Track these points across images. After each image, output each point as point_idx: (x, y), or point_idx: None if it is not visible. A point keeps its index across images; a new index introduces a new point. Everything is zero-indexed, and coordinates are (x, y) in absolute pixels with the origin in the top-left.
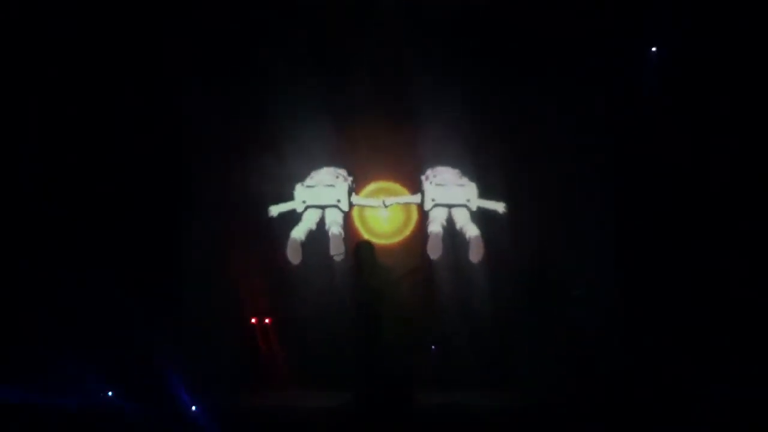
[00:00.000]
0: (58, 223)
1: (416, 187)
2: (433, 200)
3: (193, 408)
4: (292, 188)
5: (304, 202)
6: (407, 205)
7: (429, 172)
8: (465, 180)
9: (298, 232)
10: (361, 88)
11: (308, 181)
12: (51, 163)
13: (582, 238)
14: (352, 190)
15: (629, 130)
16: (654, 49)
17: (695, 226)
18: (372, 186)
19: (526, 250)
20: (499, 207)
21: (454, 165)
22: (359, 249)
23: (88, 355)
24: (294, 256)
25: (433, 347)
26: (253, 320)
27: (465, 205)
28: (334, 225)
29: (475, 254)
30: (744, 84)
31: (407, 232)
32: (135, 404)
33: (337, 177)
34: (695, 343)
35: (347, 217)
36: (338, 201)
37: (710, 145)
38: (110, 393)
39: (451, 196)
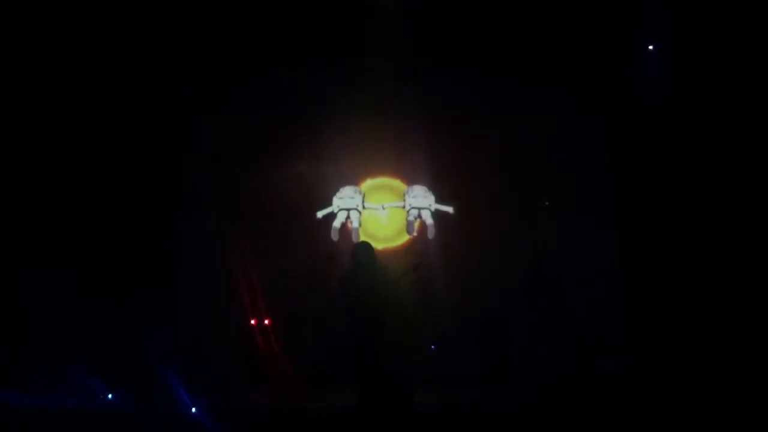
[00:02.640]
0: (58, 225)
1: (408, 179)
2: (410, 205)
3: (193, 409)
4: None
5: (338, 206)
6: (401, 210)
7: (408, 189)
8: (429, 193)
9: (337, 223)
10: (363, 93)
11: (339, 194)
12: (53, 165)
13: (580, 239)
14: (364, 199)
15: (626, 130)
16: (651, 47)
17: (695, 226)
18: (370, 182)
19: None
20: (449, 209)
21: (423, 184)
22: (358, 250)
23: (88, 358)
24: (335, 235)
25: (432, 347)
26: (253, 321)
27: (428, 208)
28: (355, 221)
29: (430, 233)
30: (744, 84)
31: (406, 236)
32: (135, 406)
33: (355, 192)
34: (695, 342)
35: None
36: (357, 206)
37: (705, 145)
38: (110, 395)
39: (420, 203)
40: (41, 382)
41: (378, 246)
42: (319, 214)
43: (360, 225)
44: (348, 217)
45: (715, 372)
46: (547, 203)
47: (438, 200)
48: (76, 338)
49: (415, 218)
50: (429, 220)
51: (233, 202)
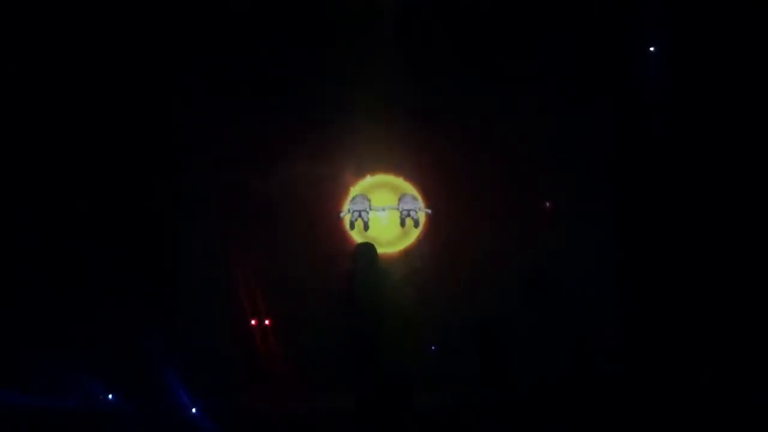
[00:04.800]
0: (58, 225)
1: (409, 178)
2: (402, 208)
3: (193, 410)
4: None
5: (349, 209)
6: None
7: (402, 197)
8: (415, 200)
9: (348, 222)
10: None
11: (352, 200)
12: (53, 166)
13: (580, 239)
14: (370, 204)
15: (626, 131)
16: (651, 49)
17: (696, 226)
18: (370, 179)
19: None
20: (428, 211)
21: (422, 184)
22: (359, 251)
23: (87, 358)
24: (349, 229)
25: (432, 348)
26: (253, 322)
27: (415, 209)
28: (364, 219)
29: (416, 225)
30: (745, 86)
31: (408, 240)
32: (134, 407)
33: (364, 198)
34: (696, 343)
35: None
36: (365, 208)
37: (706, 147)
38: (110, 396)
39: (410, 206)
40: (41, 382)
41: (380, 249)
42: (341, 215)
43: (367, 221)
44: (360, 217)
45: (715, 373)
46: (547, 204)
47: (425, 204)
48: (76, 338)
49: (406, 216)
50: (416, 218)
51: (234, 202)
